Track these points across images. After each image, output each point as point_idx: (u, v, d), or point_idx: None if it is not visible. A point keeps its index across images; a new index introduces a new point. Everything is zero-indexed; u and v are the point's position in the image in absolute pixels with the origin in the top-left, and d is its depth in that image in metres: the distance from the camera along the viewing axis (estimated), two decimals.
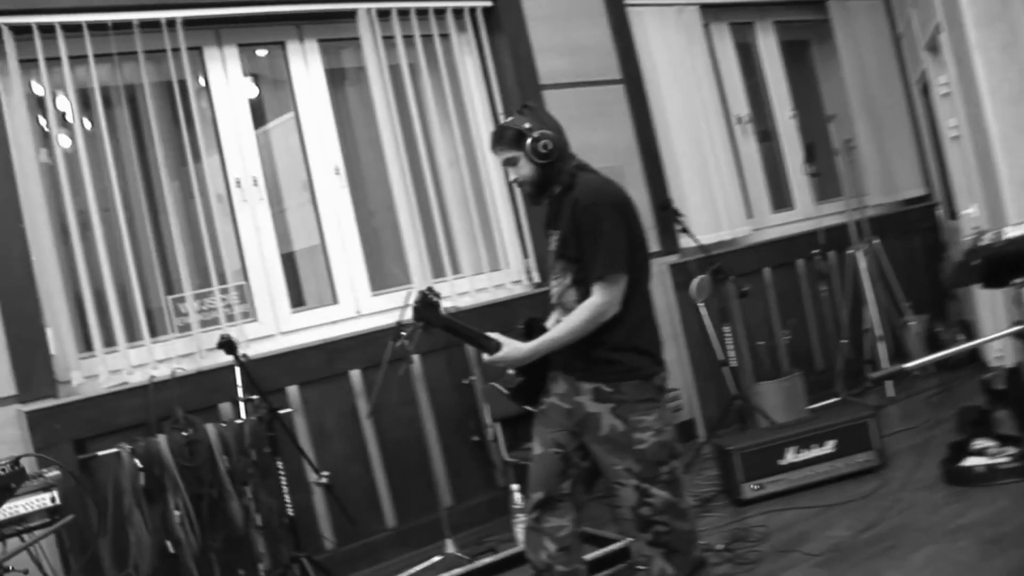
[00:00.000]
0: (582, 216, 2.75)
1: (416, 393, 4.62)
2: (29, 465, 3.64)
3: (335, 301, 4.91)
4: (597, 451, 2.82)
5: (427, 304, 2.75)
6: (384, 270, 5.44)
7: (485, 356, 2.84)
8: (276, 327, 4.65)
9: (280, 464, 3.66)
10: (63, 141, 4.26)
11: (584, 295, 2.79)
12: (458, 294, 5.02)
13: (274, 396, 4.21)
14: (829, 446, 4.39)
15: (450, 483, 4.74)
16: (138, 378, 4.06)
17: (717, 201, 5.91)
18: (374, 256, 5.40)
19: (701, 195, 5.85)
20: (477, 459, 4.84)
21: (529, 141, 2.79)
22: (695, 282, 5.32)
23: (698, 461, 5.14)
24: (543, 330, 2.87)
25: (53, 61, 4.09)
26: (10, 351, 3.83)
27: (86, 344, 4.12)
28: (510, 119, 2.90)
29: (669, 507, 2.78)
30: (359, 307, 4.91)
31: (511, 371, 2.90)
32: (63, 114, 4.26)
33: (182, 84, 4.40)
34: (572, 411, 2.84)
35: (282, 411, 3.87)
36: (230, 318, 4.41)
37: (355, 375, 4.57)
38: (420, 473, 4.58)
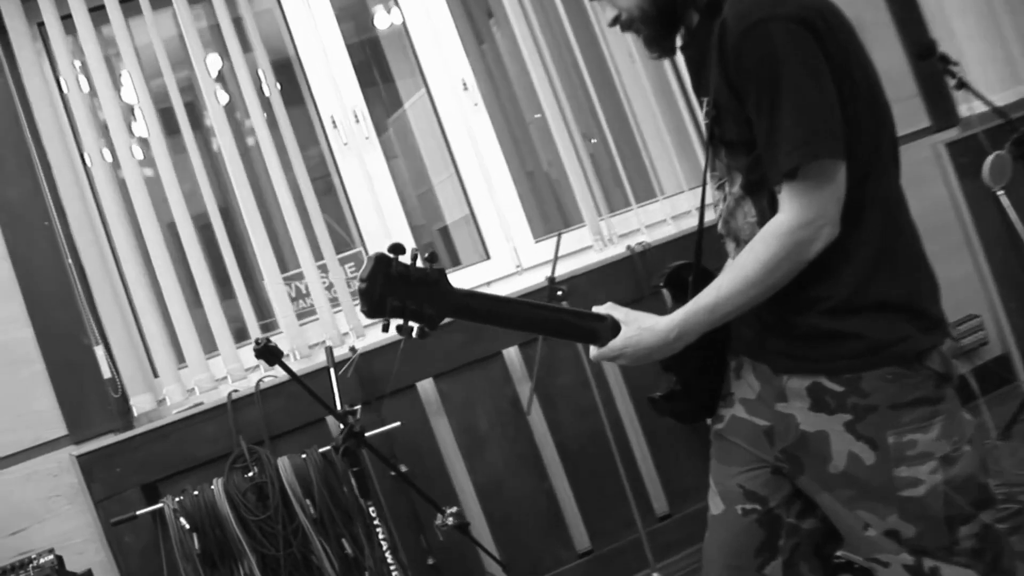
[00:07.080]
0: (740, 53, 1.39)
1: (599, 372, 3.41)
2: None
3: (487, 256, 3.76)
4: (828, 503, 1.50)
5: (393, 280, 1.49)
6: (551, 210, 4.26)
7: (593, 350, 1.57)
8: None
9: (371, 507, 2.54)
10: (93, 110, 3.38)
11: (768, 211, 1.46)
12: (647, 226, 3.74)
13: (400, 397, 3.18)
14: None
15: (662, 487, 3.48)
16: (219, 396, 3.13)
17: (1009, 45, 4.23)
18: (537, 194, 4.24)
19: (982, 39, 4.20)
20: (695, 452, 3.54)
21: None
22: (988, 161, 3.87)
23: (1020, 421, 3.60)
24: (708, 282, 1.54)
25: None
26: (52, 381, 2.98)
27: (151, 360, 3.24)
28: None
29: None
30: (519, 260, 3.73)
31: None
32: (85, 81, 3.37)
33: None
34: (774, 431, 1.54)
35: (377, 430, 2.79)
36: (336, 303, 3.38)
37: (511, 354, 3.39)
38: (616, 478, 3.35)
